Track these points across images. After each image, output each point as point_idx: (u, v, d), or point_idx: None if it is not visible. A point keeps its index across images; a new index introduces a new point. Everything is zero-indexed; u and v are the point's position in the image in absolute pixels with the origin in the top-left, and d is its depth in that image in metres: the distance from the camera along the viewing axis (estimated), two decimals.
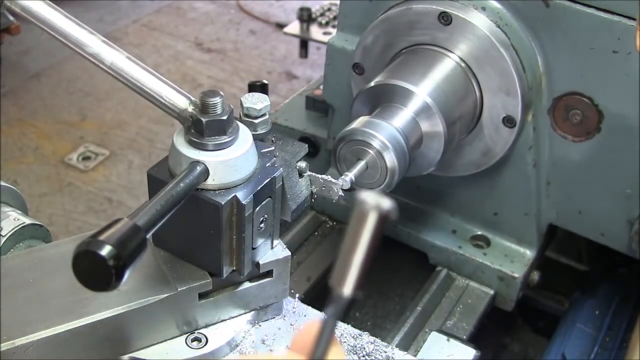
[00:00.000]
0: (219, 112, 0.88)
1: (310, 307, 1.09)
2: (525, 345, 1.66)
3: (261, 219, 0.93)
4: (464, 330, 1.29)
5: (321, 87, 1.53)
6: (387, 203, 0.39)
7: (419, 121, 1.11)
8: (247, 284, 0.99)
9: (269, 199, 0.93)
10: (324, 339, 0.42)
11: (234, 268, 0.95)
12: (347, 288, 0.41)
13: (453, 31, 1.16)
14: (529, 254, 1.37)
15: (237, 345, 1.00)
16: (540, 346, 1.60)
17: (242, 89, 2.76)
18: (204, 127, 0.87)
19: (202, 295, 0.96)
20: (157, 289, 0.93)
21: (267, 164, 0.94)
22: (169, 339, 0.96)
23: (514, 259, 1.36)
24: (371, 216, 0.40)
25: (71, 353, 0.87)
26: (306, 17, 2.48)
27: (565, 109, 1.21)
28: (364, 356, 1.03)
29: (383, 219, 0.40)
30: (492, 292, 1.36)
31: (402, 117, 1.10)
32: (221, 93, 0.88)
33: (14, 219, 1.07)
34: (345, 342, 1.04)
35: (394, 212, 0.40)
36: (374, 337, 1.06)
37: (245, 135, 0.92)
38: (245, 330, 1.02)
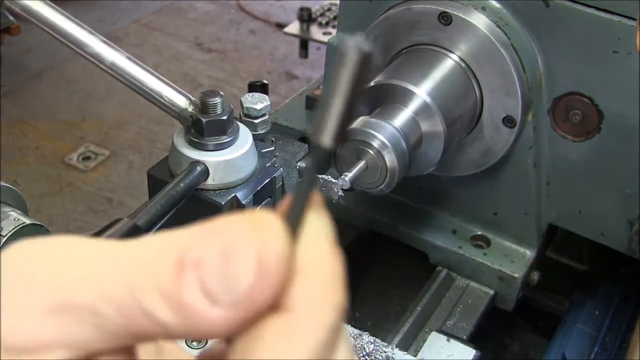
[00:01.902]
0: (219, 112, 0.88)
1: None
2: (525, 345, 1.66)
3: None
4: (464, 330, 1.29)
5: (321, 87, 1.53)
6: (368, 44, 0.35)
7: (419, 121, 1.11)
8: None
9: (269, 199, 0.93)
10: (302, 194, 0.38)
11: None
12: (327, 137, 0.37)
13: (453, 31, 1.16)
14: (529, 254, 1.37)
15: None
16: (540, 346, 1.60)
17: (242, 89, 2.76)
18: (204, 127, 0.87)
19: None
20: None
21: (267, 164, 0.94)
22: None
23: (514, 259, 1.36)
24: (350, 56, 0.35)
25: None
26: (306, 17, 2.48)
27: (565, 109, 1.21)
28: (364, 356, 1.03)
29: (364, 60, 0.35)
30: (492, 292, 1.36)
31: (402, 117, 1.10)
32: (221, 93, 0.89)
33: (14, 219, 1.06)
34: None
35: (375, 55, 0.36)
36: (374, 337, 1.06)
37: (245, 135, 0.92)
38: None
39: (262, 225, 0.35)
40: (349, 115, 0.37)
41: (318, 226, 0.39)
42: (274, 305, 0.35)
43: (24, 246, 0.37)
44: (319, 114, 0.37)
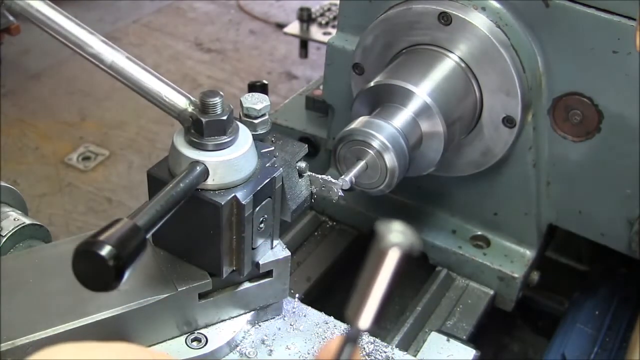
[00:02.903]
0: (218, 112, 0.88)
1: (310, 307, 1.08)
2: (525, 345, 1.66)
3: (261, 219, 0.93)
4: (464, 330, 1.29)
5: (321, 87, 1.53)
6: (409, 239, 0.39)
7: (419, 121, 1.11)
8: (247, 284, 0.99)
9: (269, 199, 0.93)
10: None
11: (234, 268, 0.95)
12: (365, 321, 0.42)
13: (453, 31, 1.16)
14: (529, 254, 1.37)
15: (237, 345, 1.00)
16: (540, 346, 1.60)
17: (242, 89, 2.76)
18: (204, 127, 0.87)
19: (202, 296, 0.96)
20: (157, 289, 0.93)
21: (267, 164, 0.94)
22: (169, 339, 0.96)
23: (514, 259, 1.36)
24: (392, 253, 0.40)
25: None
26: (306, 17, 2.48)
27: (565, 109, 1.21)
28: (364, 356, 1.03)
29: (405, 255, 0.40)
30: (492, 292, 1.36)
31: (402, 117, 1.10)
32: (221, 93, 0.88)
33: (14, 219, 1.07)
34: None
35: (417, 248, 0.39)
36: (374, 337, 1.06)
37: (245, 135, 0.92)
38: (245, 331, 1.02)
39: None
40: (385, 302, 0.41)
41: None
42: None
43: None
44: (357, 297, 0.41)
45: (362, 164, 1.06)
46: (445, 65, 1.17)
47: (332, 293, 1.40)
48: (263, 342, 1.01)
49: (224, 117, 0.88)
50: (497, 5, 1.18)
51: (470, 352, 1.17)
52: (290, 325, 1.05)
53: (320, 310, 1.09)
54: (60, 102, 2.75)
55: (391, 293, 0.41)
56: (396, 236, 0.39)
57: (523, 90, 1.16)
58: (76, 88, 2.83)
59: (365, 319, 0.41)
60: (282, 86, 2.93)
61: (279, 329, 1.04)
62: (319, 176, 1.01)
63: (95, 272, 0.68)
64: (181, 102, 0.90)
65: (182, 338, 0.97)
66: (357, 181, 1.05)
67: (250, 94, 0.99)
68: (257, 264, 0.98)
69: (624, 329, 1.39)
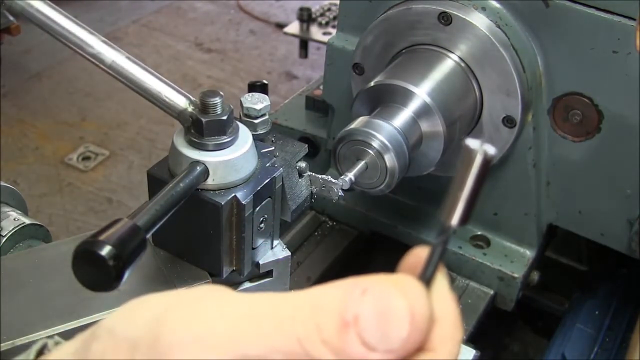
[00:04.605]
0: (218, 112, 0.88)
1: None
2: (525, 346, 1.67)
3: (261, 219, 0.93)
4: (464, 330, 1.29)
5: (321, 87, 1.53)
6: (491, 148, 0.46)
7: (419, 121, 1.11)
8: (247, 284, 0.99)
9: (269, 199, 0.93)
10: (433, 261, 0.48)
11: (234, 268, 0.95)
12: (455, 220, 0.47)
13: (453, 31, 1.16)
14: (529, 254, 1.37)
15: None
16: (540, 346, 1.60)
17: (242, 89, 2.76)
18: (204, 127, 0.87)
19: None
20: (157, 289, 0.93)
21: (267, 164, 0.94)
22: None
23: (514, 259, 1.36)
24: (477, 158, 0.46)
25: None
26: (306, 17, 2.48)
27: (565, 109, 1.21)
28: None
29: (487, 160, 0.46)
30: (492, 292, 1.36)
31: (402, 117, 1.10)
32: (221, 93, 0.88)
33: (14, 219, 1.07)
34: None
35: (495, 156, 0.47)
36: None
37: (245, 135, 0.92)
38: None
39: (410, 288, 0.45)
40: (472, 203, 0.47)
41: (443, 284, 0.49)
42: (418, 347, 0.44)
43: (186, 303, 0.46)
44: (448, 201, 0.47)
45: (362, 164, 1.06)
46: (445, 65, 1.17)
47: None
48: None
49: (224, 117, 0.88)
50: (497, 5, 1.18)
51: (470, 352, 1.17)
52: None
53: None
54: (60, 102, 2.75)
55: (477, 196, 0.47)
56: (479, 144, 0.46)
57: (523, 90, 1.16)
58: (76, 88, 2.83)
59: (456, 217, 0.47)
60: (282, 86, 2.93)
61: None
62: (319, 176, 1.00)
63: (95, 272, 0.68)
64: (181, 102, 0.90)
65: None
66: (357, 181, 1.05)
67: (250, 94, 0.99)
68: (257, 264, 0.98)
69: (624, 329, 1.39)
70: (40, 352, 0.54)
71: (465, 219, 0.47)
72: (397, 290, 0.44)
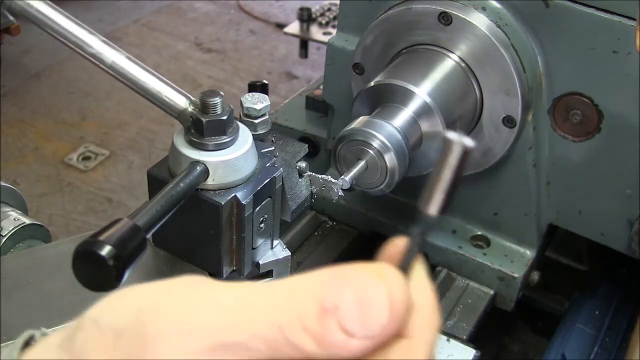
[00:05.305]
0: (219, 112, 0.88)
1: None
2: (525, 346, 1.67)
3: (261, 219, 0.93)
4: (464, 330, 1.29)
5: (321, 87, 1.53)
6: (469, 141, 0.48)
7: (419, 121, 1.11)
8: None
9: (269, 199, 0.93)
10: (412, 251, 0.49)
11: (234, 268, 0.95)
12: (433, 209, 0.48)
13: (453, 31, 1.16)
14: (529, 254, 1.37)
15: None
16: (540, 346, 1.60)
17: (242, 89, 2.76)
18: (204, 127, 0.87)
19: None
20: None
21: (267, 164, 0.94)
22: None
23: (514, 259, 1.36)
24: (455, 149, 0.47)
25: None
26: (306, 17, 2.48)
27: (565, 109, 1.21)
28: None
29: (465, 152, 0.47)
30: (492, 292, 1.36)
31: (402, 117, 1.10)
32: (221, 93, 0.88)
33: (14, 219, 1.07)
34: None
35: (473, 149, 0.48)
36: None
37: (245, 135, 0.92)
38: None
39: (388, 276, 0.46)
40: (451, 193, 0.48)
41: (422, 273, 0.50)
42: (396, 333, 0.46)
43: (175, 290, 0.47)
44: (427, 190, 0.48)
45: (362, 164, 1.06)
46: (446, 65, 1.17)
47: None
48: None
49: (224, 117, 0.88)
50: (497, 5, 1.18)
51: (471, 352, 1.18)
52: None
53: None
54: (60, 102, 2.75)
55: (456, 186, 0.48)
56: (458, 137, 0.48)
57: (523, 90, 1.16)
58: (76, 88, 2.83)
59: (434, 207, 0.48)
60: (282, 86, 2.93)
61: None
62: (319, 176, 1.01)
63: (95, 272, 0.68)
64: (181, 102, 0.90)
65: None
66: (357, 181, 1.05)
67: (251, 93, 0.99)
68: (257, 264, 0.98)
69: (624, 329, 1.39)
70: (27, 343, 0.54)
71: (443, 209, 0.48)
72: (376, 278, 0.45)
